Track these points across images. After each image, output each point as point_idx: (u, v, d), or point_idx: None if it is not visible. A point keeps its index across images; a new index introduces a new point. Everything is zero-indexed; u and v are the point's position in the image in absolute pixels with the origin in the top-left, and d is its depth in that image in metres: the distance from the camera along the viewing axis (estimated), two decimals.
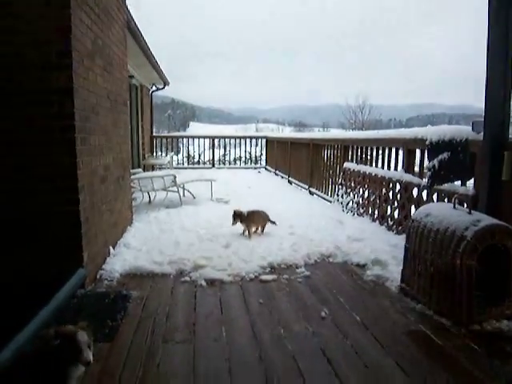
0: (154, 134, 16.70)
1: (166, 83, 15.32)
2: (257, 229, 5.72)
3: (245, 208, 5.75)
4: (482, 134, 3.81)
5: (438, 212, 3.49)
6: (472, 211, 3.36)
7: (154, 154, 15.76)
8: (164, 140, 16.68)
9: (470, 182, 4.26)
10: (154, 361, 2.66)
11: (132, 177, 6.85)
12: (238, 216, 5.58)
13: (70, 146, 3.56)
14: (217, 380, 2.46)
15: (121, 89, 5.53)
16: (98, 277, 4.06)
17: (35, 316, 1.07)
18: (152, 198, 8.29)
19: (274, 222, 5.82)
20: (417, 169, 5.41)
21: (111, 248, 4.68)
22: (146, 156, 13.89)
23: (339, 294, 3.77)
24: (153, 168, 12.94)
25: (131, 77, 10.45)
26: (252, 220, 5.63)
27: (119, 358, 2.70)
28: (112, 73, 4.98)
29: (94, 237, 4.08)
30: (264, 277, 4.12)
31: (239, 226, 5.60)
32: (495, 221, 3.21)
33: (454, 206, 3.51)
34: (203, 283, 3.95)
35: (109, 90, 4.79)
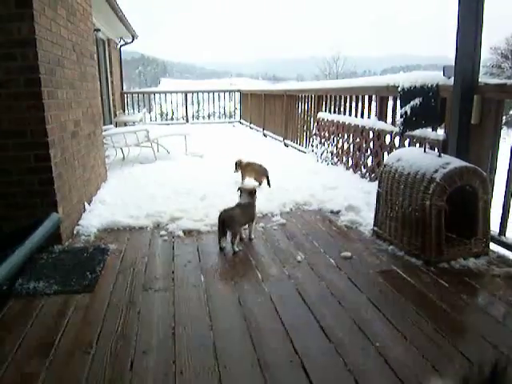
0: (124, 90, 16.28)
1: (134, 37, 14.80)
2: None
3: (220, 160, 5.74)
4: (453, 78, 3.84)
5: (409, 156, 3.56)
6: (442, 155, 3.44)
7: (126, 111, 15.40)
8: (135, 97, 16.26)
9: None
10: (135, 308, 2.71)
11: (104, 133, 6.72)
12: (237, 164, 5.80)
13: (37, 100, 3.45)
14: (197, 323, 2.53)
15: (86, 41, 5.33)
16: (74, 233, 4.06)
17: (10, 255, 1.08)
18: (126, 155, 8.19)
19: (268, 183, 5.54)
20: (389, 116, 5.46)
21: (86, 204, 4.66)
22: (118, 113, 13.58)
23: (314, 239, 3.86)
24: (125, 125, 12.68)
25: (97, 30, 10.06)
26: (246, 170, 5.72)
27: (100, 307, 2.74)
28: (76, 24, 4.78)
29: (68, 192, 4.04)
30: None
31: (216, 179, 5.63)
32: (464, 163, 3.29)
33: (425, 150, 3.59)
34: (180, 234, 3.99)
35: (74, 42, 4.61)
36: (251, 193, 3.83)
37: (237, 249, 3.58)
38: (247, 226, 3.86)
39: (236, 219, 3.59)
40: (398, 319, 2.54)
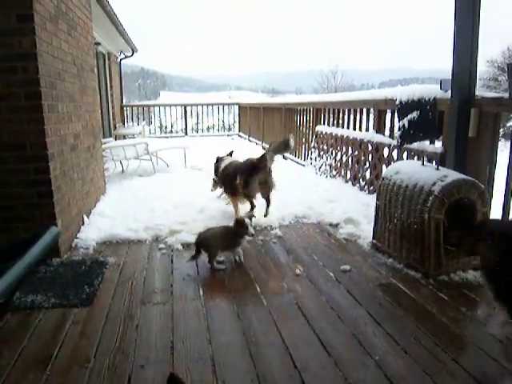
0: (124, 103, 16.36)
1: (134, 50, 14.93)
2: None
3: None
4: (450, 92, 3.87)
5: (407, 169, 3.57)
6: (440, 167, 3.46)
7: (126, 124, 15.46)
8: (135, 110, 16.34)
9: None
10: (133, 322, 2.69)
11: (103, 146, 6.74)
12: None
13: (38, 114, 3.47)
14: (196, 338, 2.52)
15: (87, 55, 5.38)
16: (73, 245, 4.05)
17: (9, 269, 1.08)
18: (125, 168, 8.20)
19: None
20: (387, 129, 5.49)
21: (85, 217, 4.65)
22: (117, 126, 13.63)
23: (313, 252, 3.86)
24: (124, 138, 12.72)
25: (98, 44, 10.14)
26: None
27: (98, 321, 2.72)
28: (77, 38, 4.83)
29: (67, 205, 4.04)
30: None
31: (214, 192, 5.63)
32: (462, 176, 3.30)
33: (423, 163, 3.61)
34: (179, 247, 3.98)
35: (74, 55, 4.65)
36: (238, 223, 3.61)
37: (221, 266, 3.54)
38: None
39: (211, 243, 3.53)
40: (397, 333, 2.52)
